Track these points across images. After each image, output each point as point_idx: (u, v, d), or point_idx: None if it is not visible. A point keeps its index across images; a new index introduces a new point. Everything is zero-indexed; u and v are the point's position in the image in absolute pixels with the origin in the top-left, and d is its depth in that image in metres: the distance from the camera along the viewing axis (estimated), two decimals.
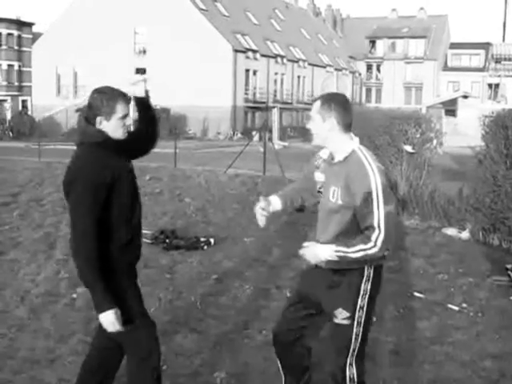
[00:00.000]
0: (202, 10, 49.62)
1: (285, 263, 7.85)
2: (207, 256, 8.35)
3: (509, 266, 7.63)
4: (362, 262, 3.45)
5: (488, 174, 9.43)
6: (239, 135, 46.53)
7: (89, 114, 3.51)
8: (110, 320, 3.45)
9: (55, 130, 46.69)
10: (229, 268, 7.80)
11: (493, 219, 9.34)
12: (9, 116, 53.15)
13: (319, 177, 3.68)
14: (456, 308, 6.39)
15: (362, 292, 3.51)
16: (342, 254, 3.38)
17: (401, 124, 12.28)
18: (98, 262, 3.45)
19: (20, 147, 30.95)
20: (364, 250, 3.34)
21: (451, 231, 10.02)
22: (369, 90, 75.35)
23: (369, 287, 3.52)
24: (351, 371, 3.56)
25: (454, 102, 48.67)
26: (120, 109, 3.50)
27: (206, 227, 10.29)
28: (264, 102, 51.93)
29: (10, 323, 5.81)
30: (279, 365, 3.98)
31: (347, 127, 3.52)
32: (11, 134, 42.77)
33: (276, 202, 3.90)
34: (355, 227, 3.44)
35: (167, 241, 8.89)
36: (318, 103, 3.53)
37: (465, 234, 9.76)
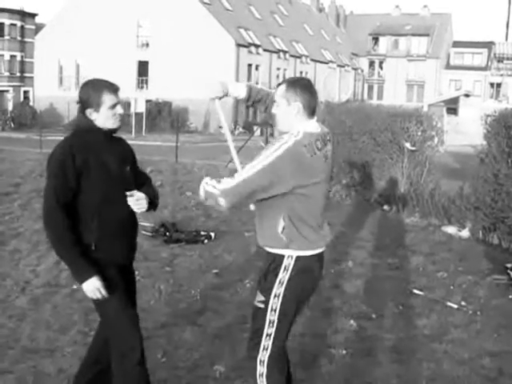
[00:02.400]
0: (206, 3, 49.54)
1: None
2: (207, 250, 8.37)
3: (508, 265, 7.64)
4: (282, 247, 3.47)
5: (489, 172, 9.44)
6: (241, 129, 46.50)
7: (80, 106, 3.65)
8: (92, 287, 3.48)
9: (56, 121, 46.72)
10: (229, 262, 7.82)
11: (493, 218, 9.34)
12: (10, 107, 53.15)
13: None
14: (455, 306, 6.40)
15: (278, 280, 3.51)
16: (203, 185, 3.49)
17: (402, 121, 12.27)
18: (69, 234, 3.49)
19: (21, 138, 30.98)
20: (213, 193, 3.41)
21: (451, 229, 10.03)
22: (371, 87, 75.27)
23: (286, 277, 3.50)
24: (264, 356, 3.55)
25: (455, 100, 48.68)
26: (108, 98, 3.61)
27: (207, 221, 10.30)
28: None
29: (11, 313, 5.83)
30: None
31: (312, 112, 3.51)
32: (13, 125, 42.80)
33: (242, 90, 4.00)
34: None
35: (167, 234, 8.90)
36: (282, 87, 3.51)
37: (465, 233, 9.77)
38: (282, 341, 3.60)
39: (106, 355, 3.87)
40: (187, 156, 20.25)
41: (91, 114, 3.61)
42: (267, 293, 3.54)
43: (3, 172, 15.27)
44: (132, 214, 3.78)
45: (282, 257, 3.50)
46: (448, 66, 73.58)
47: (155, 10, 48.01)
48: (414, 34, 73.53)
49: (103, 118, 3.62)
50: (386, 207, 11.80)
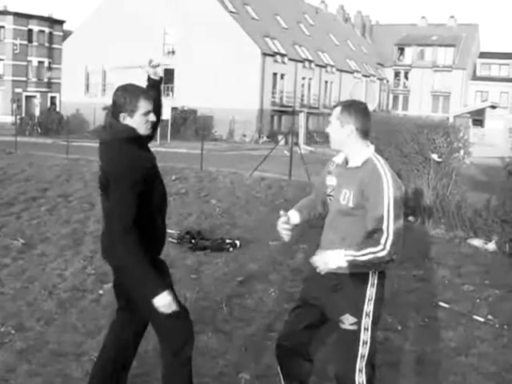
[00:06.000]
0: (232, 12, 49.77)
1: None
2: (233, 258, 8.39)
3: None
4: (367, 267, 3.52)
5: None
6: (265, 138, 46.56)
7: (113, 110, 3.66)
8: (166, 301, 3.53)
9: (82, 126, 47.17)
10: (254, 270, 7.84)
11: None
12: (37, 112, 53.76)
13: (331, 180, 3.74)
14: (481, 319, 6.35)
15: (367, 297, 3.58)
16: (351, 258, 3.42)
17: (429, 133, 12.22)
18: (142, 251, 3.52)
19: (48, 143, 31.30)
20: (373, 252, 3.41)
21: (477, 242, 9.96)
22: (396, 98, 75.01)
23: (374, 292, 3.59)
24: (361, 377, 3.60)
25: (481, 111, 48.35)
26: (142, 105, 3.63)
27: (232, 229, 10.33)
28: (291, 106, 51.93)
29: (39, 316, 5.91)
30: (279, 371, 4.01)
31: (365, 134, 3.60)
32: (39, 130, 43.22)
33: (294, 216, 3.95)
34: (362, 230, 3.52)
35: (193, 241, 8.94)
36: (338, 109, 3.62)
37: (491, 246, 9.69)
38: (373, 358, 3.66)
39: (121, 356, 3.98)
40: (212, 164, 20.32)
41: (124, 119, 3.63)
42: (357, 313, 3.58)
43: (31, 177, 15.47)
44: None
45: (366, 274, 3.58)
46: (474, 77, 73.15)
47: (182, 18, 48.30)
48: (440, 45, 73.22)
49: (136, 123, 3.64)
50: (411, 218, 11.74)
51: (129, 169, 3.55)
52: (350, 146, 3.60)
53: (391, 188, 3.44)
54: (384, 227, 3.40)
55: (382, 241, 3.40)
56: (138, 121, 3.63)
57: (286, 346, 3.88)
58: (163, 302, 3.53)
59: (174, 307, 3.56)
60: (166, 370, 3.84)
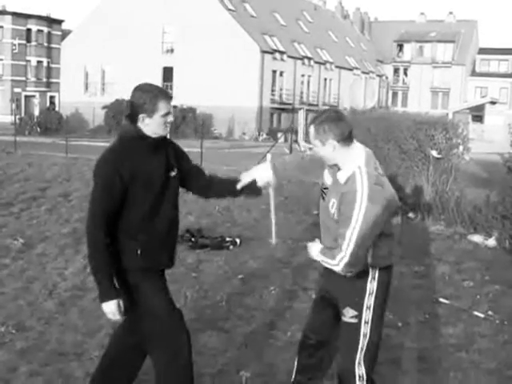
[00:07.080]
0: (230, 10, 49.73)
1: (310, 265, 7.83)
2: (233, 256, 8.39)
3: None
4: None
5: None
6: (264, 136, 46.55)
7: (131, 111, 3.60)
8: (111, 310, 3.60)
9: (82, 126, 47.18)
10: (254, 268, 7.83)
11: None
12: (37, 112, 53.75)
13: (327, 178, 3.73)
14: (482, 315, 6.35)
15: (367, 291, 3.61)
16: (320, 259, 3.64)
17: (428, 129, 12.22)
18: (104, 254, 3.55)
19: (47, 142, 31.26)
20: (330, 264, 3.56)
21: (477, 238, 9.95)
22: (395, 94, 74.96)
23: (375, 287, 3.60)
24: (360, 370, 3.63)
25: (481, 107, 48.41)
26: (162, 106, 3.56)
27: (232, 227, 10.33)
28: (290, 104, 51.90)
29: (39, 316, 5.90)
30: (295, 364, 4.03)
31: (349, 139, 3.54)
32: (39, 130, 43.20)
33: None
34: None
35: (193, 239, 8.94)
36: (312, 130, 3.57)
37: (491, 242, 9.69)
38: (374, 352, 3.70)
39: (126, 362, 3.93)
40: (212, 162, 20.28)
41: (144, 120, 3.56)
42: (357, 306, 3.61)
43: (30, 176, 15.45)
44: (174, 218, 3.80)
45: (366, 269, 3.59)
46: (473, 73, 73.10)
47: (180, 17, 48.30)
48: (439, 41, 73.17)
49: (155, 124, 3.57)
50: (411, 215, 11.75)
51: (103, 170, 3.57)
52: (339, 158, 3.56)
53: (363, 209, 3.40)
54: (343, 247, 3.45)
55: (338, 258, 3.49)
56: (157, 121, 3.57)
57: (310, 337, 3.92)
58: (107, 309, 3.61)
59: (117, 317, 3.63)
60: (164, 372, 3.76)
